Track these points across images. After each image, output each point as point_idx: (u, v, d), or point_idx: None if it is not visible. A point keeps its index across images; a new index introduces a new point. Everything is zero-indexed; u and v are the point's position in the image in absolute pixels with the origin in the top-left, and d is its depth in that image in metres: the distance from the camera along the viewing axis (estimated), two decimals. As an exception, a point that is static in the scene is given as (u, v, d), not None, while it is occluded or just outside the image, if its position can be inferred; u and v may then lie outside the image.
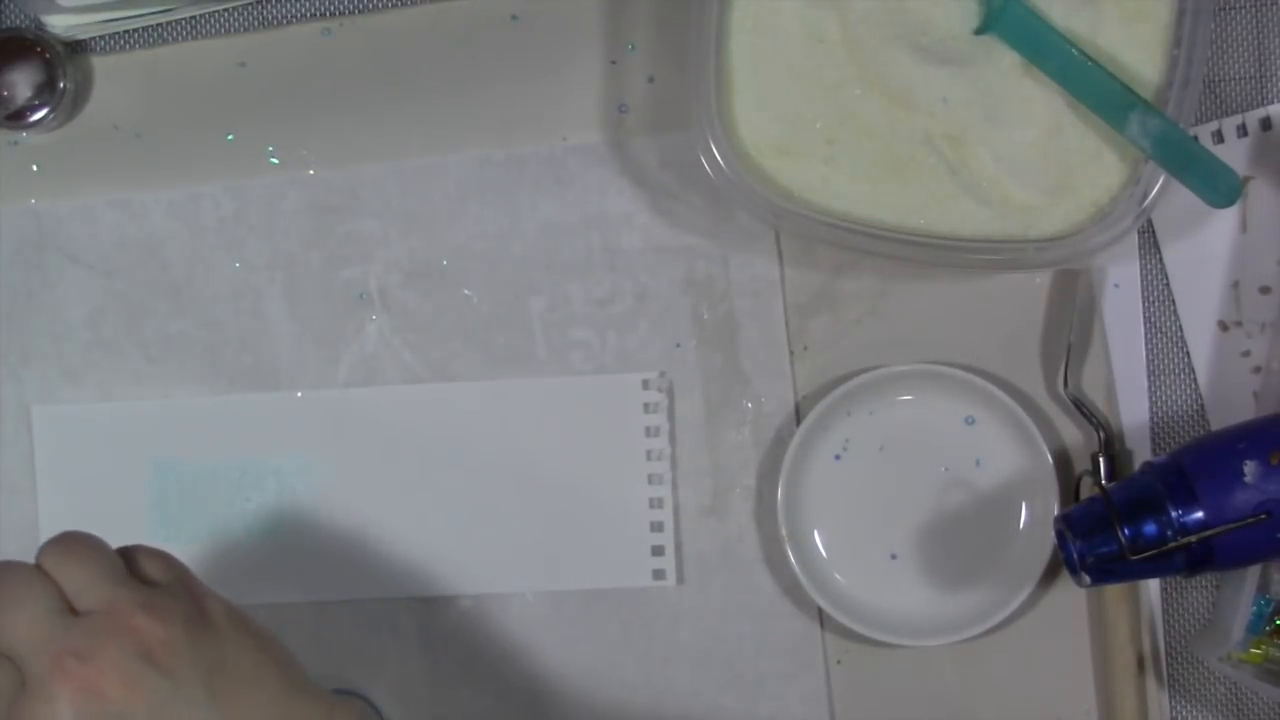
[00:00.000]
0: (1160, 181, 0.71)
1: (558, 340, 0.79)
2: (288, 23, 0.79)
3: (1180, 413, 0.78)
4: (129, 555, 0.61)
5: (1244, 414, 0.76)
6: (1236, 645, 0.73)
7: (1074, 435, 0.77)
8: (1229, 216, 0.77)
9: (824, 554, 0.78)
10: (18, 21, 0.79)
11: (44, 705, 0.56)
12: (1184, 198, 0.72)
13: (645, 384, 0.78)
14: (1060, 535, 0.70)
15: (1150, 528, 0.68)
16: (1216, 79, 0.77)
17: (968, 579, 0.77)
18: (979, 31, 0.72)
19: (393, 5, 0.79)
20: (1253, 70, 0.77)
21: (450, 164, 0.79)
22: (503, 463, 0.78)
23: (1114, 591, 0.76)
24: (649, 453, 0.78)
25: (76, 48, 0.79)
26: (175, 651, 0.58)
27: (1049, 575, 0.76)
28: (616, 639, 0.78)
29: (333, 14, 0.79)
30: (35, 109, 0.77)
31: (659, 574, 0.78)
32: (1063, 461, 0.77)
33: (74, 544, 0.60)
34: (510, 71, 0.78)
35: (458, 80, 0.78)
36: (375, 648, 0.78)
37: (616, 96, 0.78)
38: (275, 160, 0.79)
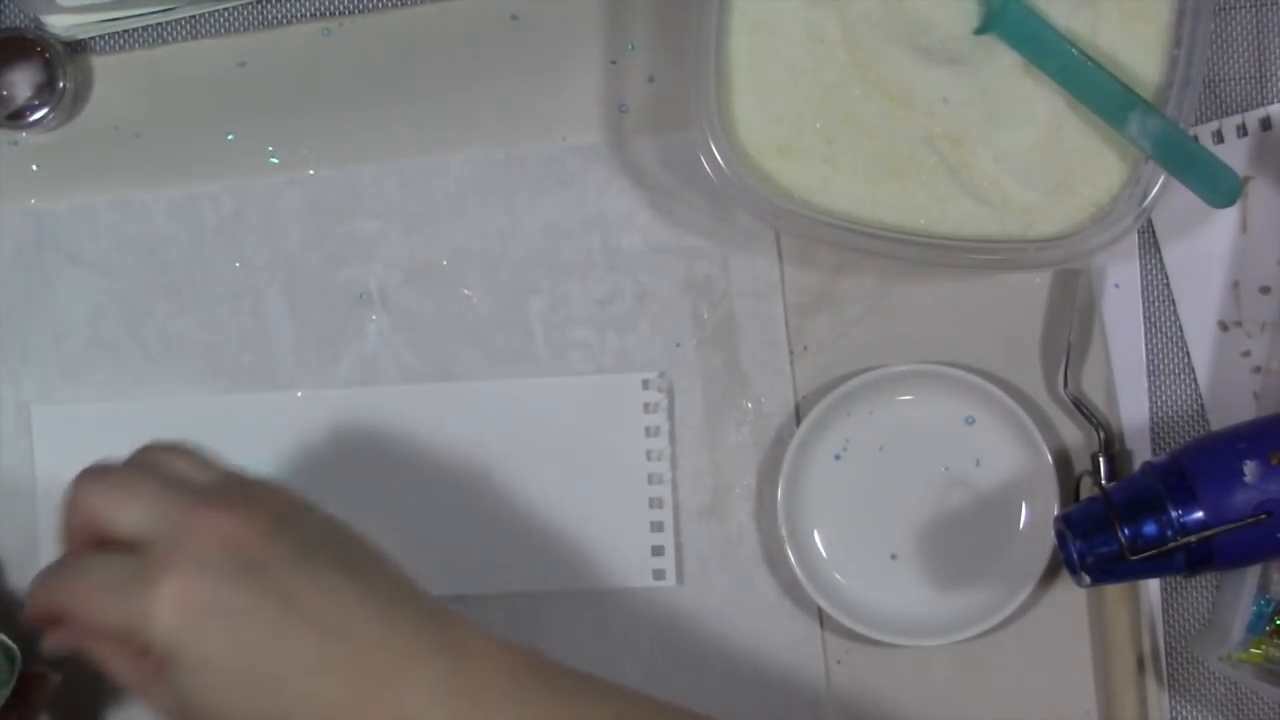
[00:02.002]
0: (1160, 181, 0.71)
1: (558, 340, 0.79)
2: (288, 23, 0.79)
3: (1180, 413, 0.78)
4: None
5: (1244, 414, 0.76)
6: (1236, 645, 0.74)
7: (1074, 435, 0.78)
8: (1229, 216, 0.77)
9: (824, 554, 0.78)
10: (18, 21, 0.79)
11: (181, 559, 0.58)
12: (1184, 198, 0.72)
13: (645, 384, 0.78)
14: (1060, 535, 0.70)
15: (1150, 528, 0.68)
16: (1216, 79, 0.77)
17: (968, 579, 0.77)
18: (979, 31, 0.72)
19: (393, 5, 0.79)
20: (1253, 70, 0.77)
21: (450, 164, 0.79)
22: (503, 463, 0.78)
23: (1114, 591, 0.76)
24: (649, 453, 0.78)
25: (76, 48, 0.79)
26: (308, 520, 0.62)
27: (1049, 575, 0.76)
28: (616, 639, 0.78)
29: (333, 14, 0.79)
30: (35, 109, 0.77)
31: (659, 574, 0.78)
32: (1063, 461, 0.77)
33: (168, 443, 0.64)
34: (510, 71, 0.78)
35: (458, 80, 0.78)
36: (375, 648, 0.78)
37: (616, 96, 0.78)
38: (275, 160, 0.79)
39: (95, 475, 0.61)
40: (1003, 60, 0.72)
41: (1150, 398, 0.78)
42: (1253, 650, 0.74)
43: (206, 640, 0.58)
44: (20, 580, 0.79)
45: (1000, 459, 0.77)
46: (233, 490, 0.61)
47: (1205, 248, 0.77)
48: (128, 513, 0.59)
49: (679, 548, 0.78)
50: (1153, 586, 0.77)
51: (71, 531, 0.61)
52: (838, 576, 0.77)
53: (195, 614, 0.57)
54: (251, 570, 0.58)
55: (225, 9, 0.79)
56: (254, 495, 0.61)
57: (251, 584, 0.58)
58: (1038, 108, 0.72)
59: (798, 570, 0.76)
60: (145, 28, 0.79)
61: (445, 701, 0.59)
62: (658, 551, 0.78)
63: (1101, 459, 0.76)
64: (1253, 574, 0.73)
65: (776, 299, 0.78)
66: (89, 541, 0.60)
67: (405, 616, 0.61)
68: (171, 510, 0.59)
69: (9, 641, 0.73)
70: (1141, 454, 0.77)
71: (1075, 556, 0.69)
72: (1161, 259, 0.77)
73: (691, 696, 0.77)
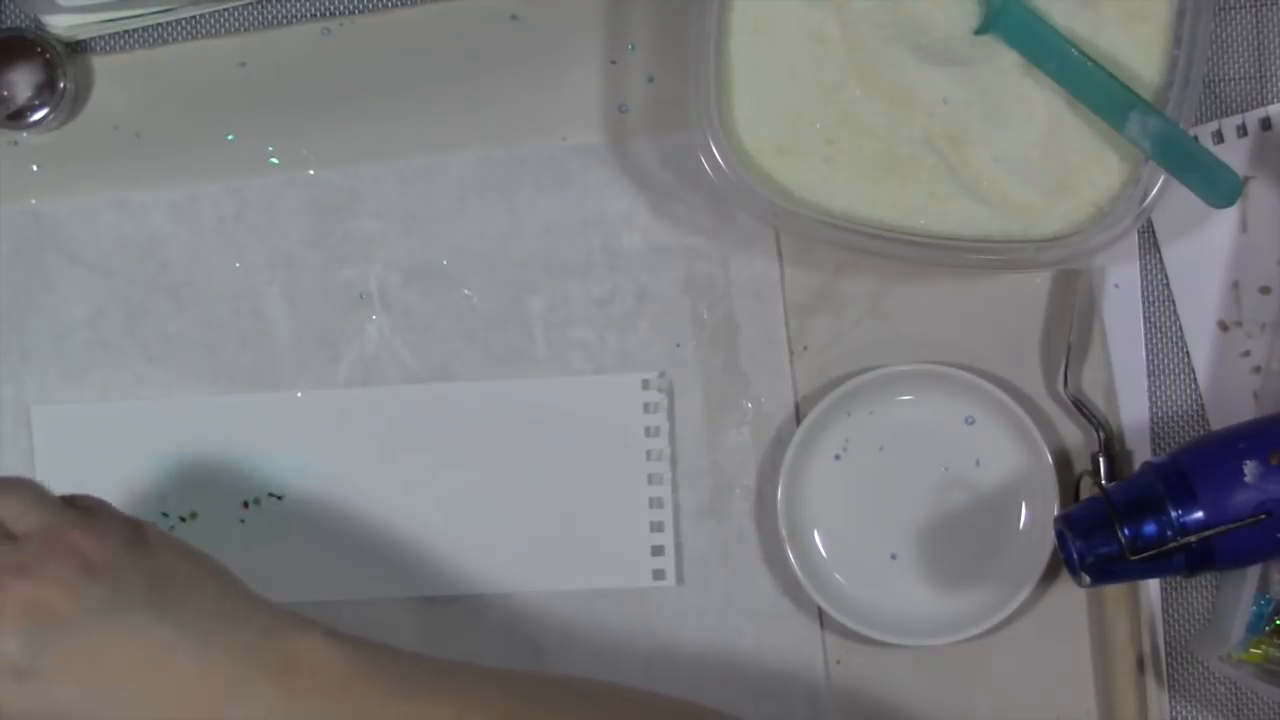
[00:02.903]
0: (1160, 181, 0.71)
1: (558, 340, 0.79)
2: (288, 23, 0.79)
3: (1180, 413, 0.78)
4: (63, 497, 0.64)
5: (1244, 414, 0.76)
6: (1236, 645, 0.73)
7: (1074, 435, 0.77)
8: (1229, 216, 0.77)
9: (824, 554, 0.78)
10: (18, 21, 0.79)
11: None
12: (1184, 198, 0.72)
13: (645, 384, 0.78)
14: (1060, 535, 0.70)
15: (1150, 528, 0.68)
16: (1216, 79, 0.77)
17: (968, 579, 0.77)
18: (979, 31, 0.72)
19: (393, 5, 0.79)
20: (1253, 70, 0.77)
21: (450, 164, 0.79)
22: (502, 463, 0.78)
23: (1114, 591, 0.76)
24: (649, 453, 0.78)
25: (76, 48, 0.79)
26: (113, 562, 0.60)
27: (1049, 575, 0.76)
28: (617, 639, 0.78)
29: (333, 14, 0.79)
30: (35, 109, 0.77)
31: (659, 574, 0.78)
32: (1063, 461, 0.77)
33: (7, 480, 0.63)
34: (510, 71, 0.78)
35: (458, 80, 0.78)
36: (375, 648, 0.79)
37: (616, 96, 0.78)
38: (275, 160, 0.79)
39: None
40: (1003, 60, 0.72)
41: (1150, 398, 0.78)
42: (1253, 650, 0.74)
43: (15, 705, 0.58)
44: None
45: (1000, 459, 0.77)
46: (45, 545, 0.60)
47: (1205, 248, 0.77)
48: None
49: (679, 548, 0.78)
50: (1153, 587, 0.77)
51: None
52: (838, 576, 0.77)
53: (3, 683, 0.58)
54: (57, 630, 0.58)
55: (225, 9, 0.79)
56: (68, 546, 0.60)
57: (58, 645, 0.58)
58: (1038, 108, 0.72)
59: (798, 570, 0.76)
60: (145, 28, 0.79)
61: None
62: (658, 551, 0.78)
63: (1101, 459, 0.76)
64: (1253, 574, 0.73)
65: (776, 299, 0.78)
66: None
67: (228, 646, 0.60)
68: None
69: None
70: (1141, 454, 0.77)
71: (1075, 556, 0.69)
72: (1161, 259, 0.77)
73: (691, 696, 0.77)
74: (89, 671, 0.59)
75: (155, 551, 0.62)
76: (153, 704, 0.59)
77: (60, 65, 0.77)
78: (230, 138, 0.79)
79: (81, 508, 0.63)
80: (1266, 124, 0.77)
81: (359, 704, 0.60)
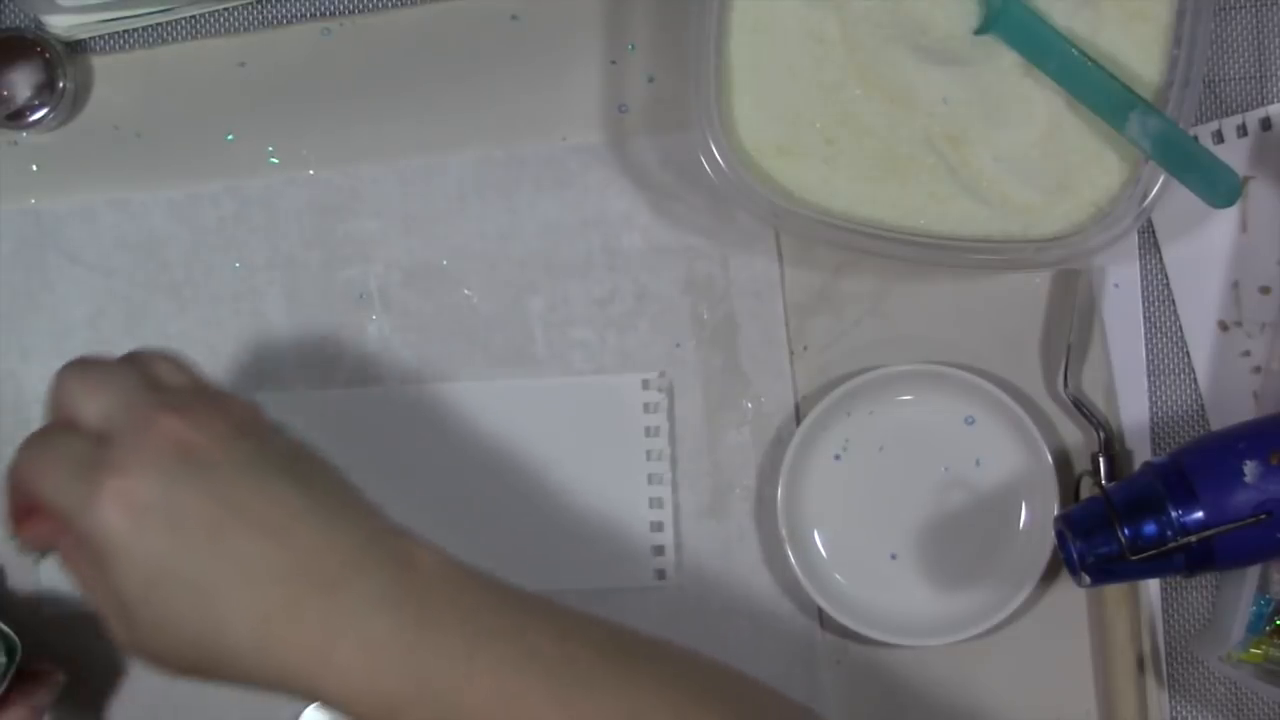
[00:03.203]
0: (1160, 181, 0.71)
1: (558, 340, 0.79)
2: (288, 23, 0.79)
3: (1180, 413, 0.78)
4: None
5: (1244, 414, 0.76)
6: (1236, 645, 0.74)
7: (1074, 435, 0.78)
8: (1229, 216, 0.77)
9: (824, 554, 0.78)
10: (18, 21, 0.79)
11: (133, 454, 0.58)
12: (1184, 198, 0.72)
13: (645, 384, 0.78)
14: (1060, 535, 0.70)
15: (1150, 528, 0.68)
16: (1216, 79, 0.77)
17: (968, 579, 0.77)
18: (979, 31, 0.72)
19: (393, 5, 0.79)
20: (1253, 70, 0.77)
21: (450, 164, 0.79)
22: (503, 463, 0.78)
23: (1114, 591, 0.76)
24: (649, 453, 0.78)
25: (76, 48, 0.79)
26: (262, 428, 0.61)
27: (1049, 575, 0.76)
28: (616, 639, 0.78)
29: (333, 14, 0.79)
30: (35, 109, 0.77)
31: (659, 574, 0.78)
32: (1063, 461, 0.77)
33: (157, 349, 0.63)
34: (510, 71, 0.78)
35: (458, 80, 0.78)
36: (375, 648, 0.79)
37: (616, 96, 0.78)
38: (275, 160, 0.79)
39: (80, 364, 0.61)
40: (1003, 60, 0.72)
41: (1150, 398, 0.78)
42: (1253, 650, 0.74)
43: (143, 537, 0.57)
44: (21, 580, 0.79)
45: (1000, 459, 0.77)
46: (200, 396, 0.61)
47: (1205, 248, 0.77)
48: (96, 404, 0.59)
49: (679, 548, 0.78)
50: (1153, 586, 0.77)
51: (50, 412, 0.61)
52: (838, 576, 0.77)
53: (135, 510, 0.57)
54: (200, 472, 0.58)
55: (225, 9, 0.79)
56: (220, 403, 0.61)
57: (198, 486, 0.58)
58: (1038, 108, 0.72)
59: (798, 570, 0.76)
60: (145, 28, 0.79)
61: (388, 611, 0.59)
62: (658, 551, 0.78)
63: (1101, 459, 0.76)
64: (1253, 574, 0.73)
65: (776, 299, 0.78)
66: (63, 424, 0.60)
67: (354, 530, 0.60)
68: (135, 407, 0.59)
69: (10, 632, 0.73)
70: (1141, 454, 0.77)
71: (1075, 556, 0.69)
72: (1161, 259, 0.77)
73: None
74: (220, 522, 0.58)
75: (303, 443, 0.63)
76: (274, 565, 0.58)
77: (60, 65, 0.77)
78: (230, 138, 0.79)
79: None
80: (1266, 124, 0.77)
81: (468, 610, 0.60)
